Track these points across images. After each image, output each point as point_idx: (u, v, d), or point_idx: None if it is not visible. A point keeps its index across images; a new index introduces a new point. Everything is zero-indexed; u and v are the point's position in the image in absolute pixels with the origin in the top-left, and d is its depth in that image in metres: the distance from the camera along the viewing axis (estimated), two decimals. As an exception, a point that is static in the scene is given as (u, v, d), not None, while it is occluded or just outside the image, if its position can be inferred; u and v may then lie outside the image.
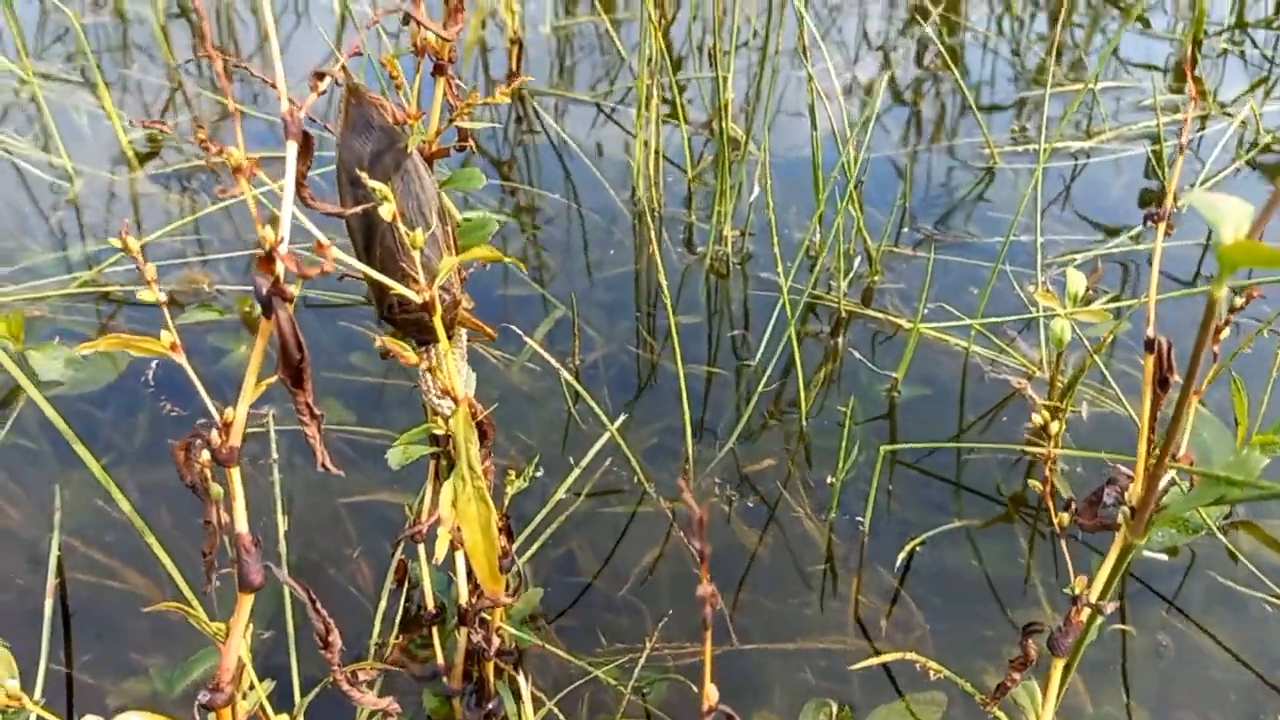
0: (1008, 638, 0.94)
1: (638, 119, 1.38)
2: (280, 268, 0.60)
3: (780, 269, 1.03)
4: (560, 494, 1.02)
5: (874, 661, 0.86)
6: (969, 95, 1.60)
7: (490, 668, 0.82)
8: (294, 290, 0.61)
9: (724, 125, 1.21)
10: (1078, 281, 1.01)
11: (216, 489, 0.64)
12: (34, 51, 1.84)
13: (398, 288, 0.65)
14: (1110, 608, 0.62)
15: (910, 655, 0.78)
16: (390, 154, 0.73)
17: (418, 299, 0.66)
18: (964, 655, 0.92)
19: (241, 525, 0.62)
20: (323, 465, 0.64)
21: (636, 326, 1.28)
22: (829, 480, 1.06)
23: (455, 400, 0.68)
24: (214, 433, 0.62)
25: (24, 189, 1.51)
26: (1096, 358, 0.96)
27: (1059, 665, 0.65)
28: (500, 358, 1.23)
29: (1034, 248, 1.33)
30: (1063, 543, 0.65)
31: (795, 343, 1.05)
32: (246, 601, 0.63)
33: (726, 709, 0.62)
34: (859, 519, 1.02)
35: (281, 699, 0.86)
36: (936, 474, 1.08)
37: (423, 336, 0.77)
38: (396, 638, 0.90)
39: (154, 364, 1.18)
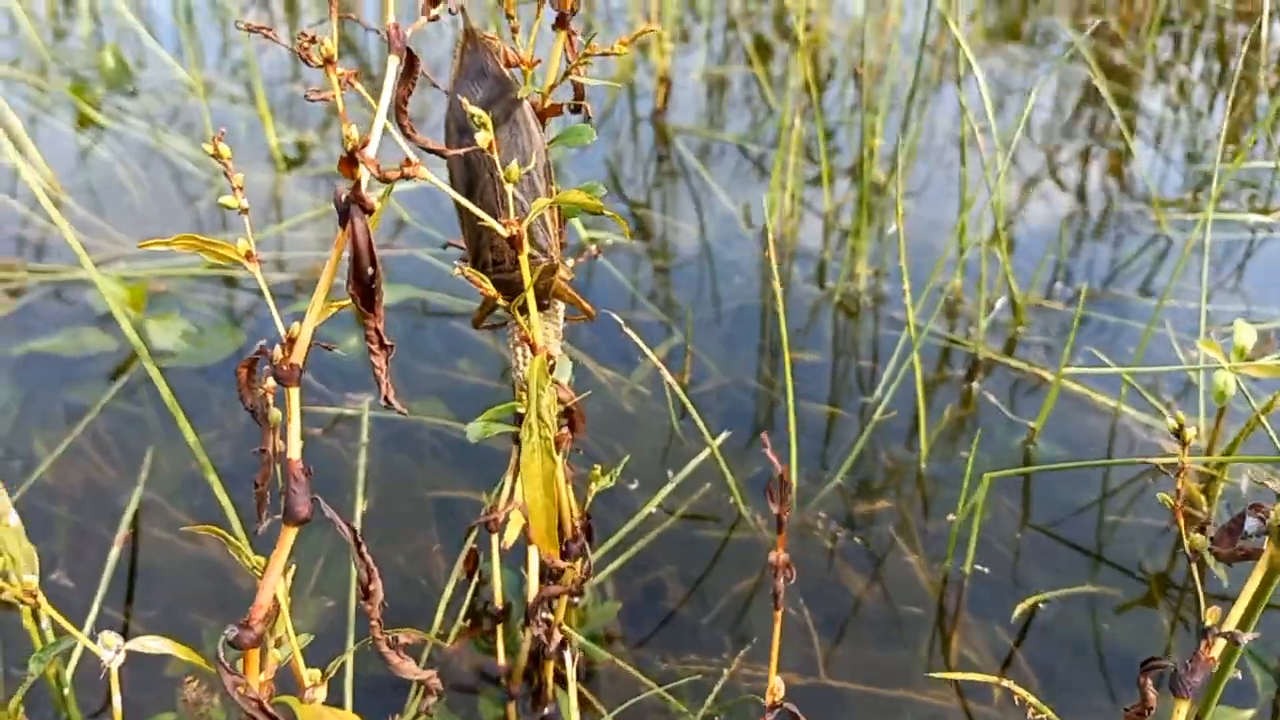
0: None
1: (778, 153, 1.33)
2: (363, 173, 0.57)
3: (906, 286, 0.95)
4: (652, 507, 0.96)
5: (957, 675, 0.76)
6: (1133, 149, 1.50)
7: (550, 669, 0.75)
8: (376, 202, 0.58)
9: (865, 155, 1.15)
10: (1247, 334, 0.90)
11: (275, 414, 0.60)
12: (215, 68, 1.93)
13: (488, 220, 0.61)
14: (1247, 638, 0.52)
15: (1007, 682, 0.68)
16: (501, 103, 0.70)
17: (504, 232, 0.62)
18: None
19: (294, 451, 0.58)
20: (385, 399, 0.60)
21: (758, 360, 1.22)
22: (950, 518, 0.97)
23: (533, 349, 0.63)
24: (276, 349, 0.59)
25: (176, 182, 1.56)
26: (1263, 418, 0.85)
27: (1184, 710, 0.54)
28: (610, 378, 1.18)
29: (1199, 316, 1.22)
30: (1193, 566, 0.55)
31: (918, 370, 0.96)
32: (290, 534, 0.59)
33: (792, 707, 0.54)
34: (979, 566, 0.92)
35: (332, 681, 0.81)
36: (1072, 542, 0.97)
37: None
38: (463, 623, 0.84)
39: (263, 342, 1.18)
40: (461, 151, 0.68)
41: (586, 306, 0.76)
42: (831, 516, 0.98)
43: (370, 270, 0.57)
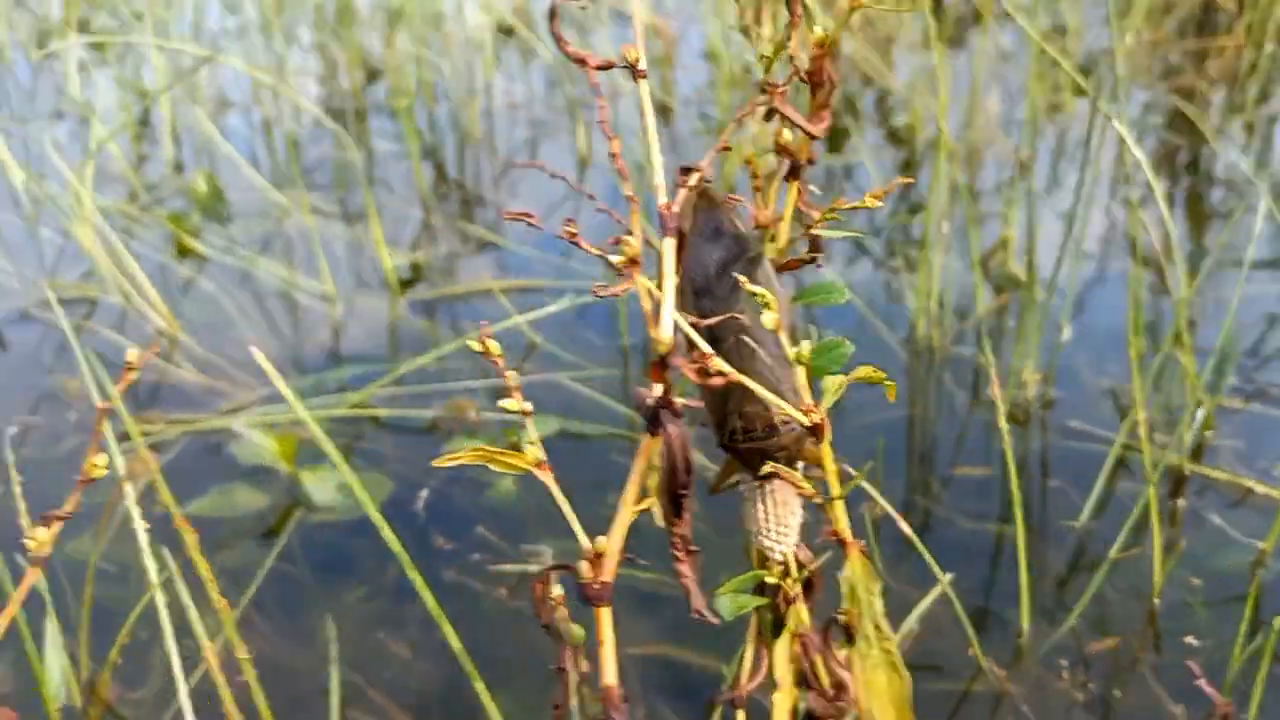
0: None
1: (922, 251, 1.29)
2: (670, 378, 0.53)
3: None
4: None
5: None
6: None
7: None
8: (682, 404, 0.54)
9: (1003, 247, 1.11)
10: None
11: (578, 631, 0.55)
12: (281, 180, 1.91)
13: (776, 402, 0.57)
14: None
15: None
16: (740, 263, 0.65)
17: (806, 421, 0.57)
18: None
19: (610, 676, 0.53)
20: (696, 611, 0.55)
21: (908, 475, 1.16)
22: (1186, 662, 0.90)
23: (844, 546, 0.58)
24: (583, 565, 0.54)
25: (287, 313, 1.53)
26: None
27: None
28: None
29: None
30: None
31: (1154, 507, 0.90)
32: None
33: None
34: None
35: None
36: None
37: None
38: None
39: (424, 493, 1.13)
40: (705, 324, 0.63)
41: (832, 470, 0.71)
42: (1064, 658, 0.91)
43: (684, 480, 0.53)
